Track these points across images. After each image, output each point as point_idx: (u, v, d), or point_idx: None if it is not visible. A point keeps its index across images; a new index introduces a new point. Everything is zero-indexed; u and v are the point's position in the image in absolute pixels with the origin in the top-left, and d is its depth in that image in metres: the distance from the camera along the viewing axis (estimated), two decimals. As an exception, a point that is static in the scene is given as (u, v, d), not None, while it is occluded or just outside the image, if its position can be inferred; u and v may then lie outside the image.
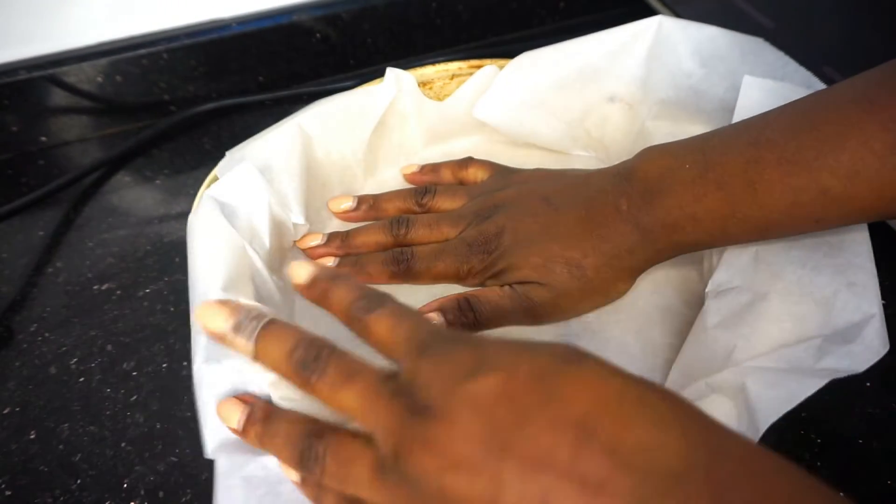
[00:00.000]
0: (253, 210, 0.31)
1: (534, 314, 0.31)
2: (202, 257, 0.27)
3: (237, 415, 0.23)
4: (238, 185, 0.31)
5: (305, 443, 0.21)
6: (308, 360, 0.21)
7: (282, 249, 0.33)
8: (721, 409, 0.23)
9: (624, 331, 0.31)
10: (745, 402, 0.23)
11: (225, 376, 0.24)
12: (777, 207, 0.26)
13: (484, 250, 0.31)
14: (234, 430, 0.23)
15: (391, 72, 0.37)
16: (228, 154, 0.34)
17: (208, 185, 0.33)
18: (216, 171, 0.33)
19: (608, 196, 0.30)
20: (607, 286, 0.30)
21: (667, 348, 0.30)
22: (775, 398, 0.23)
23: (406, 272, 0.32)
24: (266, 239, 0.31)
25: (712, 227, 0.27)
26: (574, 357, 0.18)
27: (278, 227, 0.32)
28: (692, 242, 0.28)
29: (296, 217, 0.33)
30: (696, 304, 0.31)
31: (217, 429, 0.24)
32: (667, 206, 0.28)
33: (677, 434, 0.17)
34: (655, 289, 0.32)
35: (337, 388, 0.20)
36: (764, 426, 0.23)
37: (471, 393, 0.18)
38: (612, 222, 0.29)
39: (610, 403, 0.17)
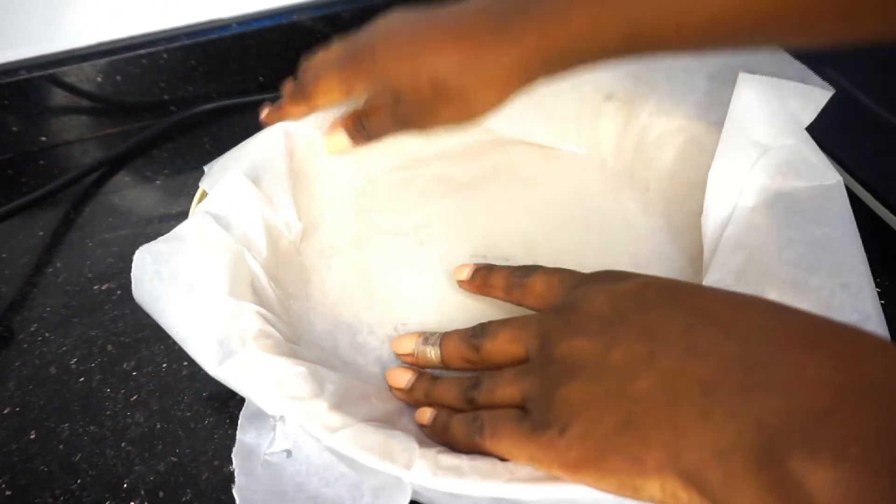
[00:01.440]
0: (246, 219, 0.31)
1: (401, 120, 0.32)
2: (202, 264, 0.27)
3: (407, 377, 0.28)
4: (229, 196, 0.31)
5: (469, 383, 0.26)
6: (475, 333, 0.27)
7: (276, 253, 0.33)
8: None
9: None
10: None
11: (243, 366, 0.25)
12: None
13: None
14: (401, 390, 0.28)
15: None
16: (207, 168, 0.34)
17: (199, 201, 0.33)
18: (202, 185, 0.33)
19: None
20: (467, 94, 0.29)
21: None
22: None
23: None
24: (263, 246, 0.31)
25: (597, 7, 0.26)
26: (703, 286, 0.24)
27: (271, 231, 0.32)
28: (575, 34, 0.27)
29: (288, 217, 0.33)
30: None
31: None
32: None
33: (792, 326, 0.20)
34: None
35: (500, 336, 0.26)
36: None
37: (609, 290, 0.24)
38: (494, 23, 0.28)
39: (730, 301, 0.21)
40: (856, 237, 0.28)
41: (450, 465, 0.23)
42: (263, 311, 0.27)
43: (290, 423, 0.24)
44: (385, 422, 0.25)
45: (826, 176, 0.30)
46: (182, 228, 0.29)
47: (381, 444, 0.23)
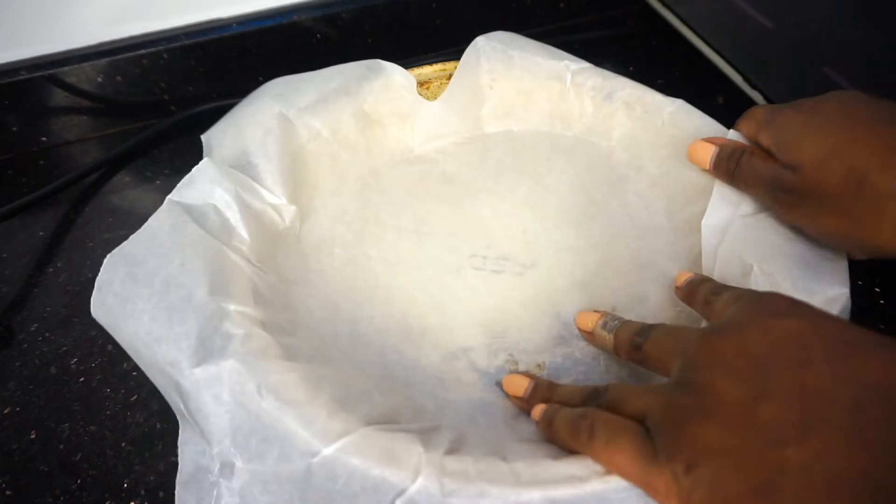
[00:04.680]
0: (222, 206, 0.30)
1: (779, 187, 0.28)
2: (177, 263, 0.26)
3: (525, 385, 0.28)
4: (201, 184, 0.30)
5: (590, 391, 0.25)
6: (642, 331, 0.26)
7: (270, 239, 0.32)
8: None
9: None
10: None
11: (222, 376, 0.23)
12: None
13: None
14: (520, 398, 0.28)
15: (391, 66, 0.38)
16: (204, 138, 0.34)
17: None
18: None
19: None
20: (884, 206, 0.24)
21: None
22: None
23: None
24: (243, 231, 0.30)
25: None
26: (879, 343, 0.20)
27: (257, 216, 0.31)
28: None
29: (275, 198, 0.32)
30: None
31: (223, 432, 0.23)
32: None
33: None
34: (647, 288, 0.33)
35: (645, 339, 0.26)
36: None
37: (767, 325, 0.21)
38: None
39: (853, 350, 0.20)
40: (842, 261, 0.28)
41: (456, 470, 0.22)
42: (249, 310, 0.26)
43: (238, 476, 0.22)
44: (387, 419, 0.25)
45: None
46: (153, 223, 0.28)
47: (383, 451, 0.22)
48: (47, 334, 0.35)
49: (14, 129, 0.45)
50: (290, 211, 0.33)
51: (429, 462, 0.22)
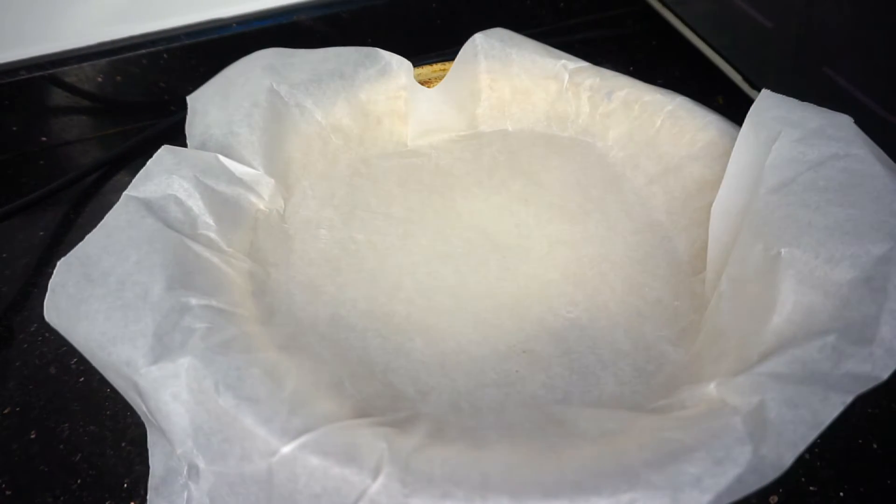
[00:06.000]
0: (183, 195, 0.29)
1: None
2: (132, 259, 0.25)
3: None
4: (157, 175, 0.29)
5: None
6: None
7: (244, 220, 0.31)
8: (732, 436, 0.20)
9: (613, 325, 0.31)
10: (762, 429, 0.21)
11: (181, 374, 0.22)
12: None
13: None
14: None
15: (389, 55, 0.38)
16: (190, 100, 0.34)
17: None
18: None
19: None
20: None
21: (659, 341, 0.30)
22: (799, 421, 0.21)
23: None
24: (209, 218, 0.29)
25: None
26: None
27: (226, 199, 0.30)
28: None
29: (250, 170, 0.31)
30: (685, 295, 0.31)
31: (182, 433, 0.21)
32: None
33: None
34: (644, 281, 0.32)
35: None
36: (789, 460, 0.20)
37: None
38: None
39: None
40: (890, 213, 0.25)
41: (421, 469, 0.20)
42: (215, 301, 0.25)
43: (204, 478, 0.21)
44: (359, 411, 0.23)
45: (855, 144, 0.28)
46: (108, 221, 0.27)
47: (345, 449, 0.21)
48: (47, 334, 0.35)
49: (14, 129, 0.45)
50: (268, 185, 0.32)
51: (391, 460, 0.20)
